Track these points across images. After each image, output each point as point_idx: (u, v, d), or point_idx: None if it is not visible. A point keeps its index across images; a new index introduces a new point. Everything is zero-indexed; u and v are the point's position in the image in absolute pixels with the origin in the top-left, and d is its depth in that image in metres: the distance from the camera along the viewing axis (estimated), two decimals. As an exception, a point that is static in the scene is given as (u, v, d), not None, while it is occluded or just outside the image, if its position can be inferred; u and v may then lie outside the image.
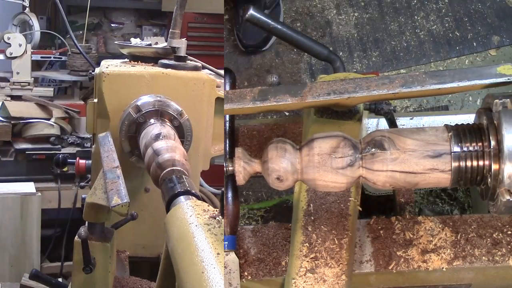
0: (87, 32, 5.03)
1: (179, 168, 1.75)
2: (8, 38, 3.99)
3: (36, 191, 3.50)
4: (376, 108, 1.70)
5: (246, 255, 1.55)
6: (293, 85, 1.32)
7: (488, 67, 1.25)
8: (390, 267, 1.49)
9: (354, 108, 1.55)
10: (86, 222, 1.86)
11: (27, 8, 4.30)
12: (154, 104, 2.11)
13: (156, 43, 2.57)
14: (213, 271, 1.19)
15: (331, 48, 2.12)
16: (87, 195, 1.80)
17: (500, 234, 1.52)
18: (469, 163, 1.21)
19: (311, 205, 1.46)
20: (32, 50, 4.13)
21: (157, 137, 1.93)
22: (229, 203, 1.55)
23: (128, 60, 2.47)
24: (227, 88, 1.72)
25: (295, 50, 2.97)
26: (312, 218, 1.43)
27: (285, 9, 3.02)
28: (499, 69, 1.24)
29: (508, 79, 1.23)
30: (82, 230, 1.75)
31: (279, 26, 1.75)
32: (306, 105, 1.33)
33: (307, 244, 1.39)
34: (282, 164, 1.25)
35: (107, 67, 2.30)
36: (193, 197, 1.58)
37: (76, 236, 1.79)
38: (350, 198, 1.46)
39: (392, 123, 1.76)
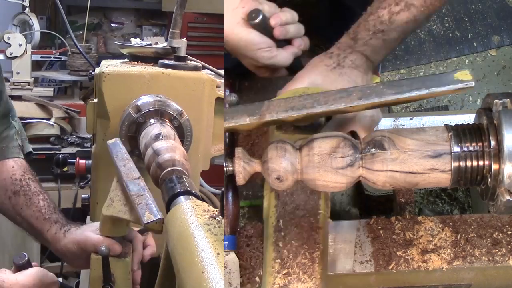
0: (87, 32, 5.03)
1: (179, 168, 1.75)
2: (8, 38, 3.98)
3: (36, 191, 3.49)
4: None
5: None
6: (250, 105, 1.31)
7: (446, 74, 1.23)
8: (390, 267, 1.48)
9: (315, 122, 1.51)
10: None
11: (27, 8, 4.30)
12: (154, 104, 2.11)
13: (156, 43, 2.57)
14: (213, 271, 1.19)
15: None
16: (103, 207, 1.73)
17: (500, 234, 1.52)
18: (469, 163, 1.21)
19: (281, 220, 1.42)
20: (32, 50, 4.12)
21: (157, 137, 1.92)
22: (229, 203, 1.55)
23: (128, 60, 2.46)
24: (227, 89, 1.71)
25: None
26: (282, 233, 1.40)
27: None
28: (456, 75, 1.22)
29: (466, 85, 1.21)
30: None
31: (279, 26, 1.75)
32: (265, 124, 1.32)
33: (278, 260, 1.36)
34: (282, 164, 1.24)
35: (107, 67, 2.29)
36: (193, 197, 1.58)
37: (94, 253, 1.76)
38: (320, 211, 1.42)
39: None
